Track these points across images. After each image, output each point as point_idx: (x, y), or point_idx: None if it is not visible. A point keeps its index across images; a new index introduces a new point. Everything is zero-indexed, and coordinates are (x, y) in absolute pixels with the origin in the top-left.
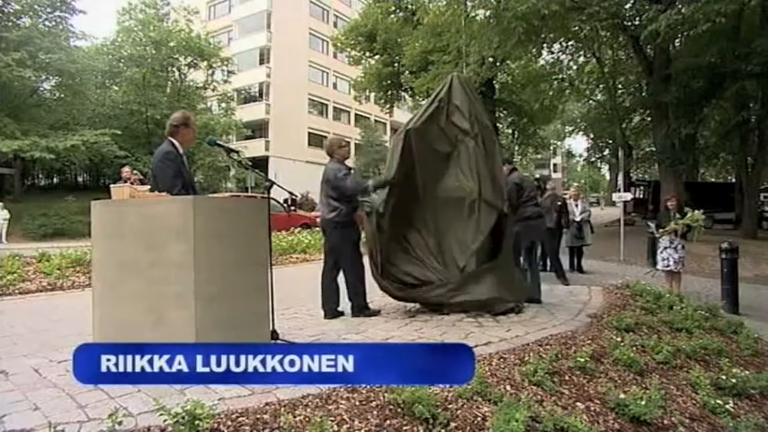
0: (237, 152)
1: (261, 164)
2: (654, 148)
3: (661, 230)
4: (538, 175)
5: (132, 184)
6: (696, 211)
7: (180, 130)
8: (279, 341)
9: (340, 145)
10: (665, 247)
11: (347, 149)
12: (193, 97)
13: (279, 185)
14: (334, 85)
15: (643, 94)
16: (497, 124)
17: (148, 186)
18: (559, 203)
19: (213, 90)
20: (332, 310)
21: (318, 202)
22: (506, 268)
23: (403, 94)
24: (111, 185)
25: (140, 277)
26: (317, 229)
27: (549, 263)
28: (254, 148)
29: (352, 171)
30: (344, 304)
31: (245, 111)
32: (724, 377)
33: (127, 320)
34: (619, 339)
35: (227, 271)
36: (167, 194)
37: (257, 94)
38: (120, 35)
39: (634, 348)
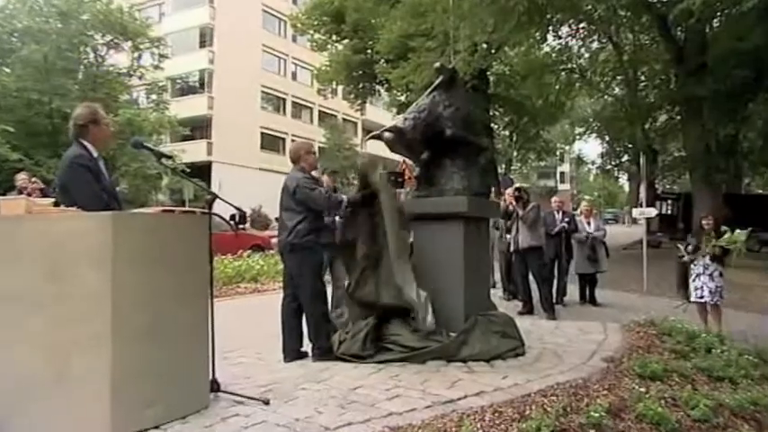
0: (170, 157)
1: (202, 171)
2: (684, 153)
3: (688, 254)
4: (518, 185)
5: (30, 195)
6: (738, 231)
7: (89, 129)
8: (220, 393)
9: (308, 150)
10: (698, 275)
11: (315, 157)
12: (114, 86)
13: (223, 199)
14: (294, 76)
15: (671, 87)
16: (491, 124)
17: (52, 199)
18: (567, 220)
19: (140, 78)
20: (293, 352)
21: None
22: (502, 315)
23: (377, 87)
24: (1, 198)
25: (39, 315)
26: (272, 251)
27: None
28: (193, 152)
29: (320, 182)
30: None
31: (181, 105)
32: None
33: (18, 374)
34: (643, 390)
35: (155, 305)
36: (85, 210)
37: (197, 85)
38: (11, 2)
39: (663, 401)
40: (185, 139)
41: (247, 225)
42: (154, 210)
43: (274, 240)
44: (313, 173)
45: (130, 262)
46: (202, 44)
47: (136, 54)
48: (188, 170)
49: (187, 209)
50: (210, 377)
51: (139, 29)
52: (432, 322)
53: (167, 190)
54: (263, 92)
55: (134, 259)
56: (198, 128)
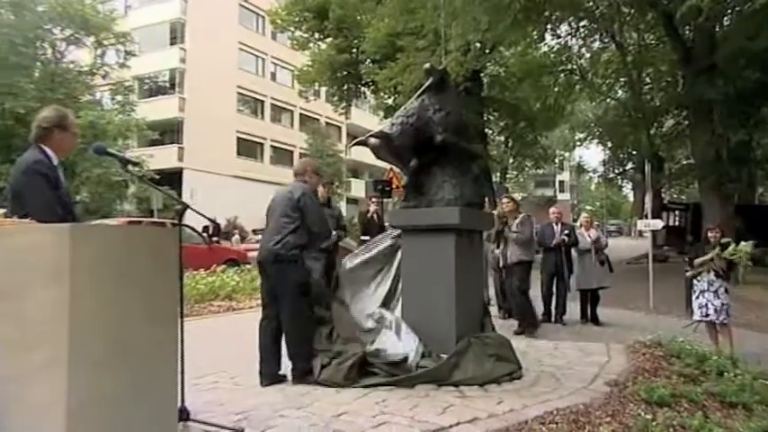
0: (137, 164)
1: (172, 178)
2: (693, 161)
3: (692, 268)
4: (505, 195)
5: None
6: (743, 243)
7: (54, 134)
8: (190, 422)
9: (315, 170)
10: (702, 291)
11: (319, 179)
12: (75, 85)
13: (194, 210)
14: (273, 76)
15: (678, 89)
16: (485, 130)
17: (2, 210)
18: (566, 232)
19: (104, 77)
20: (271, 375)
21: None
22: (497, 337)
23: (363, 89)
24: None
25: None
26: (248, 266)
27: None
28: (162, 158)
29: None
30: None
31: (150, 107)
32: None
33: None
34: (649, 417)
35: (118, 327)
36: (38, 221)
37: (167, 85)
38: None
39: (671, 430)
40: (154, 143)
41: (235, 238)
42: (118, 221)
43: (251, 254)
44: None
45: (90, 279)
46: (173, 41)
47: (99, 51)
48: (157, 177)
49: (155, 220)
50: (179, 405)
51: (103, 23)
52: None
53: (134, 199)
54: (239, 93)
55: (95, 276)
56: (168, 132)
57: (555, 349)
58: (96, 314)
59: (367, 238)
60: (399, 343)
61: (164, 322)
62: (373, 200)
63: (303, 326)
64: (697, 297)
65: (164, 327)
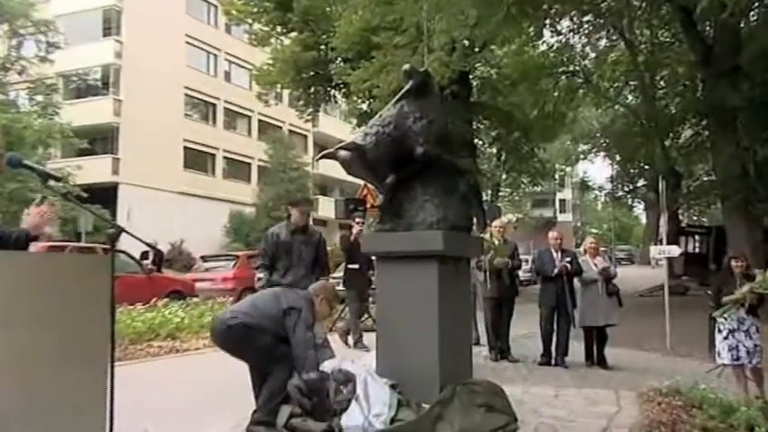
0: (60, 178)
1: (105, 195)
2: (714, 177)
3: (715, 305)
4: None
5: None
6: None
7: None
8: None
9: (330, 303)
10: (732, 331)
11: (328, 313)
12: None
13: (131, 233)
14: (227, 76)
15: (697, 95)
16: (475, 140)
17: None
18: (569, 259)
19: (21, 73)
20: None
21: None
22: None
23: (333, 92)
24: None
25: None
26: (195, 299)
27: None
28: (93, 170)
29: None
30: None
31: (78, 109)
32: None
33: None
34: None
35: (30, 378)
36: None
37: (99, 84)
38: None
39: None
40: (83, 153)
41: (211, 264)
42: (36, 246)
43: (199, 285)
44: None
45: (1, 317)
46: (106, 32)
47: (14, 41)
48: (85, 195)
49: (83, 245)
50: None
51: (19, 8)
52: None
53: (57, 220)
54: (187, 95)
55: (7, 313)
56: (100, 139)
57: (555, 397)
58: (4, 359)
59: (356, 266)
60: (361, 414)
61: (89, 369)
62: (357, 221)
63: (284, 373)
64: (726, 337)
65: (89, 373)
